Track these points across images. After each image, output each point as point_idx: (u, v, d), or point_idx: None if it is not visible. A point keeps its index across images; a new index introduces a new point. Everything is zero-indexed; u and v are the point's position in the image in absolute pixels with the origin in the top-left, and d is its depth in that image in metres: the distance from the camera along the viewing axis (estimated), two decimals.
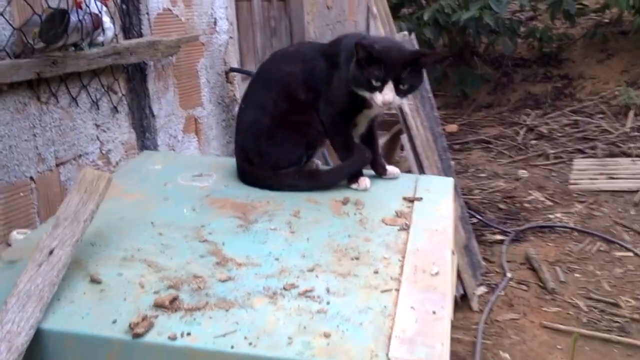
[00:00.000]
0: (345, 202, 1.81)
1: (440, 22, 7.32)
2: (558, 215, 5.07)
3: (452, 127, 7.45)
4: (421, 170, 4.06)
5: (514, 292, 4.02)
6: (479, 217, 5.08)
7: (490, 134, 7.15)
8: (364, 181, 1.94)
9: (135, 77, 2.84)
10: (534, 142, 6.84)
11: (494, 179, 6.00)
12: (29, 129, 2.22)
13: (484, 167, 6.31)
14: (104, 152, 2.61)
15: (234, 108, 3.68)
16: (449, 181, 2.03)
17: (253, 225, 1.64)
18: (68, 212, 1.34)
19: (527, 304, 3.79)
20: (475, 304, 3.91)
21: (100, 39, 2.49)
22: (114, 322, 1.19)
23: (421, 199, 1.84)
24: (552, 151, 6.44)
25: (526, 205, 5.36)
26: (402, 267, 1.42)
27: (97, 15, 2.40)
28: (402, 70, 1.82)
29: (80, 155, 2.48)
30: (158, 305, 1.22)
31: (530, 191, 5.56)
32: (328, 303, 1.25)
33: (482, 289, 4.18)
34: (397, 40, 2.07)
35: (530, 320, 3.59)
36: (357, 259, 1.46)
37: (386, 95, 1.82)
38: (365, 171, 2.03)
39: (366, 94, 1.86)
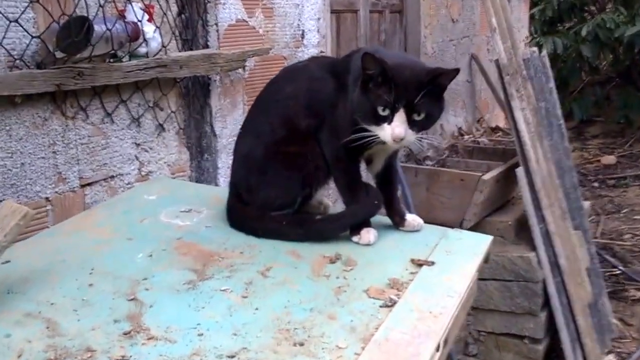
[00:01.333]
0: (334, 259, 1.51)
1: (601, 38, 6.59)
2: None
3: (610, 159, 6.68)
4: (538, 211, 3.55)
5: None
6: (622, 268, 4.43)
7: None
8: (368, 234, 1.61)
9: (193, 92, 2.65)
10: None
11: None
12: (49, 145, 2.08)
13: None
14: (143, 173, 2.44)
15: None
16: (484, 241, 1.64)
17: (204, 282, 1.39)
18: None
19: None
20: None
21: (143, 50, 2.32)
22: None
23: (433, 263, 1.49)
24: None
25: None
26: None
27: (135, 24, 2.23)
28: (416, 94, 1.46)
29: (113, 176, 2.32)
30: None
31: None
32: None
33: (609, 358, 3.59)
34: (411, 56, 1.70)
35: None
36: (301, 345, 1.15)
37: (396, 129, 1.47)
38: (382, 218, 1.70)
39: (372, 127, 1.51)
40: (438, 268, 1.47)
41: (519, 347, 3.74)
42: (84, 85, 2.10)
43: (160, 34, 2.38)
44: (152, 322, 1.22)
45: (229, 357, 1.11)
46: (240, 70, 2.85)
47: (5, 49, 1.92)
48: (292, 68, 1.87)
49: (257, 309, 1.28)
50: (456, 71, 1.53)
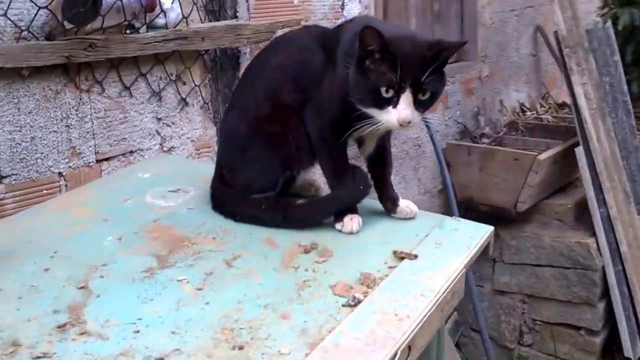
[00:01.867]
0: (309, 249, 1.36)
1: None
2: None
3: None
4: (599, 194, 3.29)
5: None
6: None
7: None
8: (351, 222, 1.45)
9: (221, 65, 2.55)
10: None
11: None
12: (61, 119, 2.02)
13: None
14: (165, 149, 2.36)
15: None
16: (482, 233, 1.45)
17: (163, 270, 1.28)
18: None
19: None
20: None
21: (161, 21, 2.23)
22: None
23: (415, 257, 1.32)
24: None
25: None
26: None
27: None
28: (422, 71, 1.29)
29: (132, 152, 2.26)
30: None
31: None
32: None
33: None
34: (407, 27, 1.55)
35: None
36: (240, 348, 1.02)
37: (403, 111, 1.31)
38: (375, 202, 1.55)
39: (373, 111, 1.35)
40: (420, 262, 1.30)
41: (575, 338, 3.53)
42: (96, 57, 2.02)
43: (180, 4, 2.29)
44: (92, 314, 1.12)
45: (156, 359, 1.00)
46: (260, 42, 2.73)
47: (10, 20, 1.86)
48: (283, 37, 1.71)
49: (207, 303, 1.16)
50: (462, 44, 1.39)
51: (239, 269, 1.28)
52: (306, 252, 1.35)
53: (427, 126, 3.21)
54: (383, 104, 1.32)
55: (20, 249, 1.37)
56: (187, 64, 2.39)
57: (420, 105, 1.34)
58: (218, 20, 2.53)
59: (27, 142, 1.94)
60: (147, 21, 2.18)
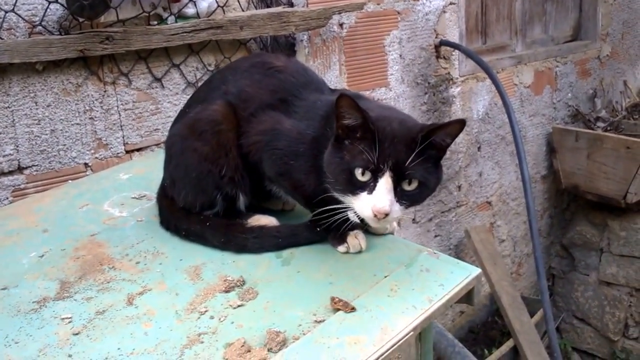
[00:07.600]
0: (232, 286, 0.97)
1: None
2: None
3: None
4: None
5: None
6: None
7: None
8: (356, 239, 1.05)
9: (273, 52, 2.11)
10: None
11: None
12: (84, 112, 1.75)
13: None
14: None
15: (446, 89, 2.64)
16: (462, 277, 0.94)
17: (56, 303, 0.97)
18: None
19: None
20: None
21: (191, 11, 1.85)
22: None
23: (353, 309, 0.87)
24: None
25: None
26: None
27: None
28: (406, 153, 0.91)
29: None
30: None
31: None
32: None
33: None
34: (400, 111, 1.11)
35: None
36: None
37: (379, 200, 0.90)
38: None
39: (345, 197, 0.96)
40: (355, 319, 0.85)
41: None
42: (115, 50, 1.70)
43: None
44: None
45: None
46: (335, 28, 2.24)
47: (19, 15, 1.58)
48: (269, 65, 1.20)
49: (70, 356, 0.83)
50: (460, 123, 0.92)
51: (137, 308, 0.94)
52: (227, 290, 0.97)
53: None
54: (357, 189, 0.93)
55: None
56: (226, 53, 1.99)
57: (404, 197, 0.92)
58: (269, 6, 2.08)
59: (46, 134, 1.69)
60: (175, 11, 1.81)
